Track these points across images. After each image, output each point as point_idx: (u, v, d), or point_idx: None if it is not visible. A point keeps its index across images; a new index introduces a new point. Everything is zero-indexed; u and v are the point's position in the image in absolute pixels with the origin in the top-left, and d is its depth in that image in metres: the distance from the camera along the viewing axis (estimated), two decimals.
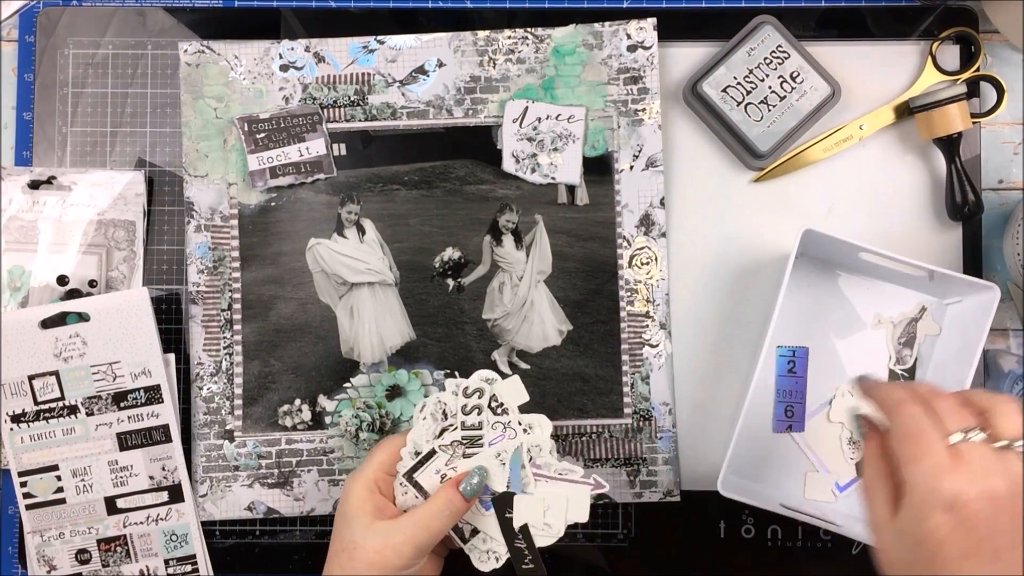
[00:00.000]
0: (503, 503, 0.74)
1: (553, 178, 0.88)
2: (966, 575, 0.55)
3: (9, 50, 0.90)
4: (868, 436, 0.66)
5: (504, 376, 0.85)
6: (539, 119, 0.88)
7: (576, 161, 0.88)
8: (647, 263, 0.87)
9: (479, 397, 0.74)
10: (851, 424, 0.84)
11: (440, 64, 0.88)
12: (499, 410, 0.74)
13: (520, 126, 0.88)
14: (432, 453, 0.74)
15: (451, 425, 0.74)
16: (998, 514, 0.55)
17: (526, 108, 0.88)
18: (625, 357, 0.87)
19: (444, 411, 0.74)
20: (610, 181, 0.88)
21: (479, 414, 0.74)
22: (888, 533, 0.59)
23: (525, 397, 0.74)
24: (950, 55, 0.89)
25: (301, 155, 0.87)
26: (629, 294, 0.88)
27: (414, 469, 0.74)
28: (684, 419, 0.88)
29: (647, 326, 0.87)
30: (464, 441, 0.74)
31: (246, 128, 0.87)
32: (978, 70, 0.88)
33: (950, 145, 0.86)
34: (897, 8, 0.90)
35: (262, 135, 0.87)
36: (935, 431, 0.58)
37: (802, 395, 0.87)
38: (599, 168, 0.88)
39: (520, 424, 0.74)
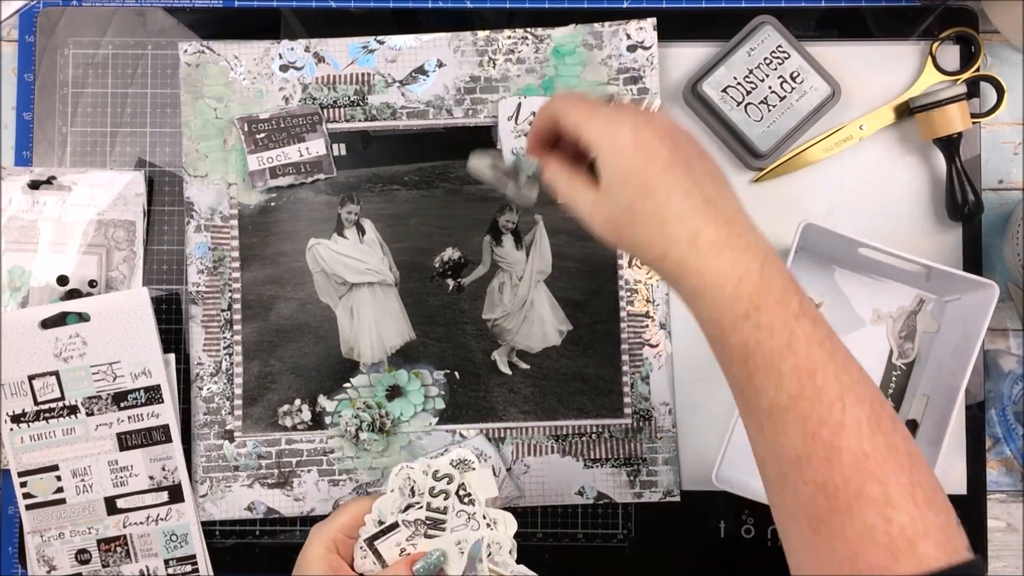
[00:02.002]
0: None
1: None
2: (676, 184, 0.61)
3: (9, 50, 0.90)
4: (543, 160, 0.70)
5: (505, 374, 0.86)
6: (534, 114, 0.87)
7: None
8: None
9: (448, 483, 0.74)
10: (522, 168, 0.77)
11: (440, 64, 0.88)
12: (466, 499, 0.74)
13: (516, 123, 0.88)
14: (395, 525, 0.74)
15: (417, 503, 0.74)
16: (676, 135, 0.63)
17: (519, 104, 0.88)
18: (625, 357, 0.87)
19: (412, 488, 0.74)
20: None
21: (446, 499, 0.74)
22: (599, 205, 0.65)
23: (494, 492, 0.74)
24: (950, 55, 0.89)
25: (301, 155, 0.87)
26: (629, 294, 0.88)
27: (375, 537, 0.74)
28: (684, 419, 0.88)
29: (647, 326, 0.87)
30: (427, 521, 0.73)
31: (246, 128, 0.87)
32: (978, 70, 0.88)
33: (950, 145, 0.87)
34: (897, 8, 0.90)
35: (262, 135, 0.87)
36: (594, 99, 0.66)
37: None
38: None
39: (485, 518, 0.74)
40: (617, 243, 0.65)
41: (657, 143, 0.62)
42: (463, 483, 0.74)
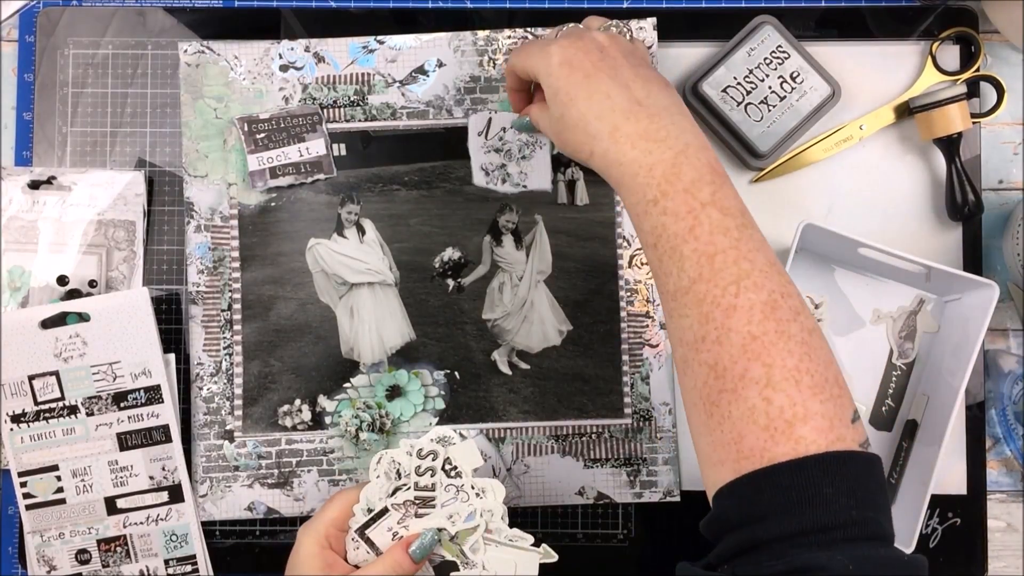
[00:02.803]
0: (445, 572, 0.74)
1: (525, 186, 0.88)
2: (597, 88, 0.69)
3: (9, 50, 0.90)
4: (526, 111, 0.82)
5: (505, 374, 0.86)
6: (504, 128, 0.88)
7: (546, 167, 0.88)
8: (647, 263, 0.87)
9: (433, 459, 0.74)
10: (518, 126, 0.87)
11: (440, 64, 0.88)
12: (452, 473, 0.74)
13: (486, 138, 0.88)
14: (385, 511, 0.74)
15: (404, 485, 0.74)
16: (607, 48, 0.72)
17: (489, 120, 0.88)
18: (625, 357, 0.87)
19: (398, 471, 0.74)
20: None
21: (432, 476, 0.74)
22: (549, 122, 0.74)
23: (480, 461, 0.74)
24: (950, 55, 0.89)
25: (301, 155, 0.87)
26: (629, 294, 0.88)
27: (366, 526, 0.74)
28: (684, 419, 0.88)
29: (647, 326, 0.87)
30: (417, 501, 0.74)
31: (246, 128, 0.87)
32: (978, 70, 0.88)
33: (950, 145, 0.87)
34: (897, 8, 0.90)
35: (262, 135, 0.87)
36: (543, 39, 0.75)
37: None
38: None
39: (473, 488, 0.74)
40: (564, 150, 0.74)
41: (582, 56, 0.70)
42: (448, 457, 0.74)
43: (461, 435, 0.75)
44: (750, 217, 0.65)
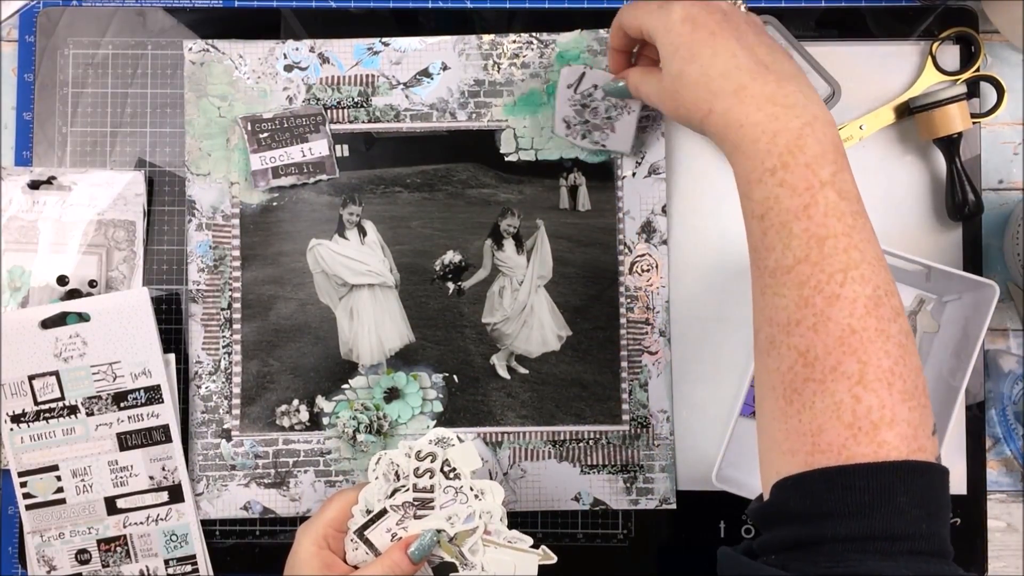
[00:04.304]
0: (444, 573, 0.74)
1: (604, 145, 0.86)
2: (723, 46, 0.65)
3: (9, 50, 0.91)
4: (624, 75, 0.79)
5: (503, 378, 0.86)
6: (594, 86, 0.85)
7: (630, 130, 0.86)
8: (648, 270, 0.87)
9: (431, 461, 0.74)
10: (611, 91, 0.83)
11: (444, 67, 0.88)
12: (451, 475, 0.74)
13: (575, 91, 0.86)
14: (383, 512, 0.74)
15: (403, 486, 0.74)
16: (729, 12, 0.68)
17: (583, 74, 0.85)
18: (624, 364, 0.87)
19: (396, 472, 0.74)
20: (612, 187, 0.88)
21: (431, 477, 0.74)
22: (661, 84, 0.71)
23: (478, 463, 0.74)
24: (950, 55, 0.89)
25: (304, 155, 0.87)
26: (629, 301, 0.87)
27: (365, 527, 0.74)
28: (683, 419, 0.88)
29: (647, 333, 0.87)
30: (415, 503, 0.74)
31: (249, 128, 0.87)
32: (978, 70, 0.88)
33: (950, 145, 0.86)
34: (897, 8, 0.90)
35: (265, 135, 0.87)
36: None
37: None
38: (602, 174, 0.88)
39: (472, 490, 0.74)
40: (675, 113, 0.70)
41: (705, 15, 0.67)
42: (446, 459, 0.74)
43: (459, 437, 0.75)
44: (864, 206, 0.62)
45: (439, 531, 0.74)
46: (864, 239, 0.60)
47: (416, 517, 0.74)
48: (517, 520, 0.87)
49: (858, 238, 0.60)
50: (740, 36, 0.66)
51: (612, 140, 0.86)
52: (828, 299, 0.58)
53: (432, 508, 0.74)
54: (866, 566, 0.53)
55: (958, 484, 0.88)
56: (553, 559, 0.74)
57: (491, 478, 0.86)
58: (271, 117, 0.87)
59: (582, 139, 0.86)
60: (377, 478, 0.74)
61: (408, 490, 0.74)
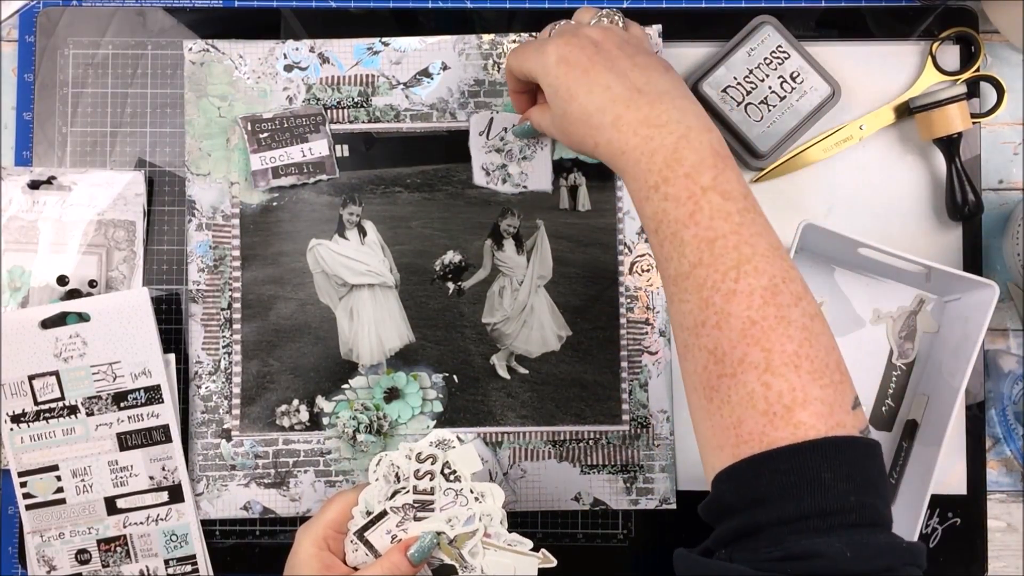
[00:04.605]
0: (444, 575, 0.75)
1: (525, 187, 0.88)
2: (596, 81, 0.69)
3: (9, 50, 0.91)
4: (527, 115, 0.82)
5: (503, 378, 0.86)
6: (505, 129, 0.88)
7: (546, 167, 0.88)
8: (648, 270, 0.87)
9: (432, 463, 0.74)
10: (520, 133, 0.86)
11: (444, 67, 0.88)
12: (451, 477, 0.74)
13: (487, 138, 0.88)
14: (383, 514, 0.74)
15: (403, 488, 0.74)
16: (602, 41, 0.71)
17: (491, 120, 0.88)
18: (624, 364, 0.87)
19: (397, 474, 0.74)
20: (612, 187, 0.88)
21: (431, 479, 0.74)
22: (552, 121, 0.74)
23: (479, 465, 0.75)
24: (950, 55, 0.89)
25: (304, 156, 0.87)
26: (629, 300, 0.87)
27: (365, 528, 0.74)
28: (683, 419, 0.88)
29: (647, 333, 0.87)
30: (416, 504, 0.74)
31: (249, 128, 0.87)
32: (978, 70, 0.88)
33: (950, 145, 0.86)
34: (897, 8, 0.90)
35: (265, 135, 0.87)
36: (538, 40, 0.76)
37: None
38: (601, 174, 0.88)
39: (472, 492, 0.74)
40: (571, 146, 0.73)
41: (577, 52, 0.70)
42: (447, 461, 0.74)
43: (459, 439, 0.75)
44: (753, 201, 0.64)
45: (439, 533, 0.74)
46: (754, 233, 0.62)
47: (416, 519, 0.74)
48: (517, 520, 0.87)
49: (747, 233, 0.62)
50: (613, 66, 0.70)
51: (532, 180, 0.88)
52: (726, 296, 0.60)
53: (432, 510, 0.74)
54: (801, 545, 0.55)
55: (958, 484, 0.88)
56: (553, 562, 0.74)
57: (491, 478, 0.86)
58: (271, 117, 0.87)
59: (503, 183, 0.88)
60: (377, 479, 0.74)
61: (408, 492, 0.74)
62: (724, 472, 0.60)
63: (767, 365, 0.58)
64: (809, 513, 0.55)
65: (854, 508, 0.56)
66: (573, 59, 0.70)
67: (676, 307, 0.64)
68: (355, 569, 0.74)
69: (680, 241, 0.63)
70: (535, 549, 0.74)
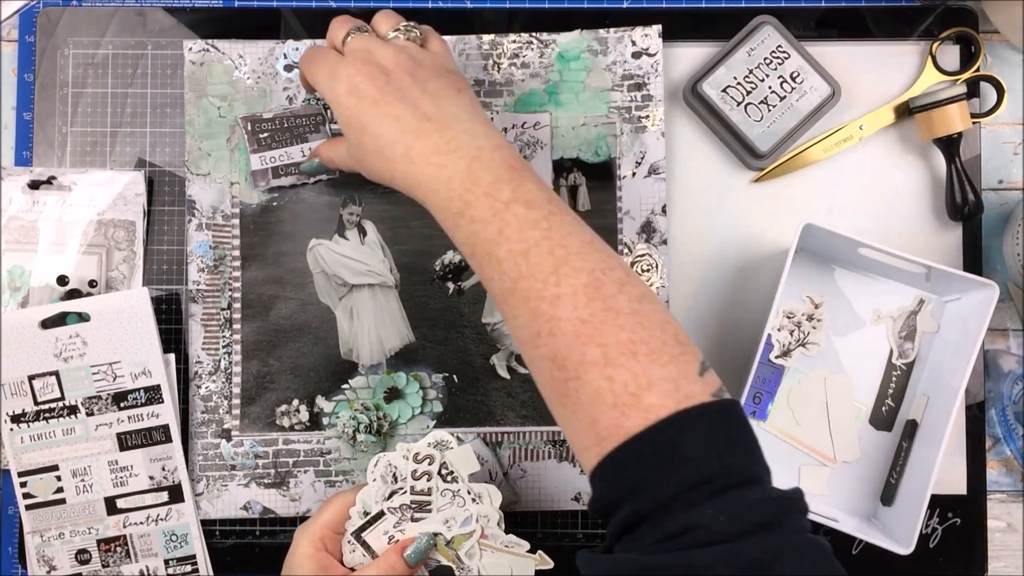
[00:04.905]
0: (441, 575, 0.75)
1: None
2: (386, 113, 0.68)
3: (9, 50, 0.90)
4: (314, 152, 0.83)
5: (503, 378, 0.86)
6: (505, 129, 0.88)
7: (546, 167, 0.88)
8: (647, 270, 0.87)
9: (429, 464, 0.74)
10: (309, 170, 0.86)
11: None
12: (449, 478, 0.74)
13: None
14: (381, 514, 0.74)
15: (400, 488, 0.74)
16: (393, 69, 0.70)
17: (491, 120, 0.87)
18: None
19: (394, 474, 0.74)
20: (612, 187, 0.88)
21: (429, 480, 0.74)
22: (347, 152, 0.74)
23: (476, 466, 0.75)
24: (950, 55, 0.89)
25: (304, 156, 0.87)
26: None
27: (362, 529, 0.74)
28: None
29: None
30: (413, 505, 0.74)
31: (249, 128, 0.87)
32: (978, 70, 0.88)
33: (950, 145, 0.86)
34: (897, 8, 0.90)
35: (265, 135, 0.87)
36: (327, 50, 0.74)
37: (775, 385, 0.87)
38: (601, 174, 0.88)
39: (469, 493, 0.74)
40: (371, 177, 0.73)
41: (367, 83, 0.69)
42: (444, 462, 0.74)
43: (459, 439, 0.75)
44: (558, 203, 0.65)
45: (436, 534, 0.74)
46: (564, 234, 0.63)
47: (413, 520, 0.74)
48: (517, 520, 0.87)
49: (558, 236, 0.63)
50: (403, 95, 0.69)
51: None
52: (552, 302, 0.61)
53: (429, 511, 0.74)
54: (678, 522, 0.55)
55: (958, 484, 0.88)
56: (550, 564, 0.75)
57: (491, 478, 0.86)
58: (271, 117, 0.87)
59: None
60: (375, 480, 0.74)
61: (405, 492, 0.74)
62: (595, 471, 0.60)
63: (606, 360, 0.59)
64: (679, 490, 0.56)
65: (719, 473, 0.56)
66: (363, 90, 0.69)
67: (511, 323, 0.65)
68: (352, 570, 0.74)
69: (497, 260, 0.63)
70: (532, 550, 0.74)
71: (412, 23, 0.75)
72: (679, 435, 0.57)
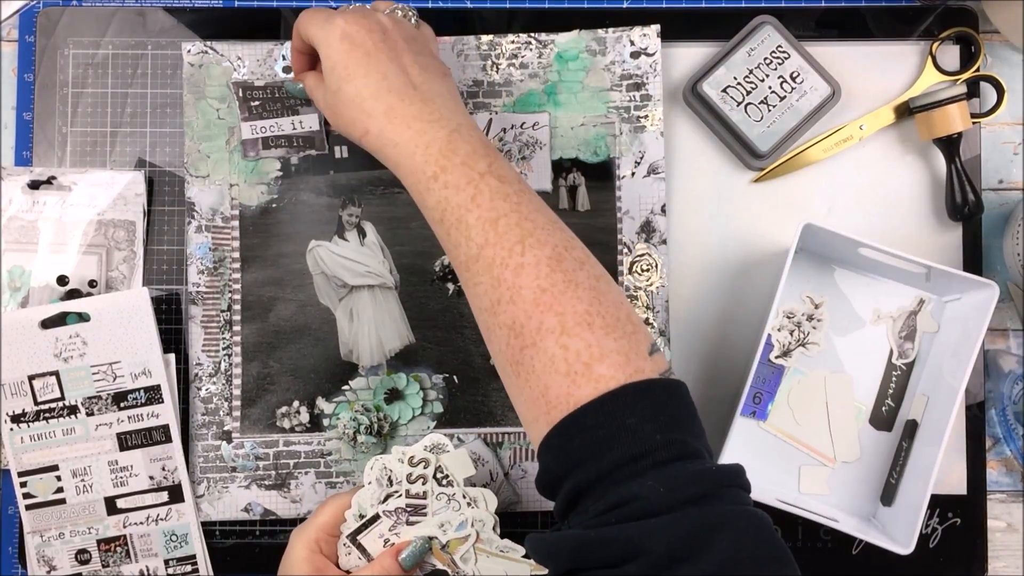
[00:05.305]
0: None
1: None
2: (375, 67, 0.70)
3: (9, 50, 0.90)
4: (303, 78, 0.81)
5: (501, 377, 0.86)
6: (504, 130, 0.88)
7: (546, 167, 0.88)
8: (647, 270, 0.87)
9: (424, 467, 0.74)
10: (291, 91, 0.87)
11: None
12: (444, 481, 0.74)
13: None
14: (376, 517, 0.74)
15: (396, 492, 0.74)
16: (391, 30, 0.72)
17: (490, 120, 0.88)
18: None
19: (390, 477, 0.74)
20: (611, 187, 0.88)
21: (424, 484, 0.74)
22: (325, 96, 0.74)
23: (471, 470, 0.75)
24: (950, 55, 0.89)
25: (294, 128, 0.87)
26: (629, 300, 0.87)
27: (358, 531, 0.74)
28: None
29: None
30: (408, 509, 0.74)
31: (241, 94, 0.87)
32: (978, 70, 0.88)
33: (950, 145, 0.86)
34: (897, 8, 0.90)
35: (256, 103, 0.87)
36: (327, 9, 0.74)
37: (775, 385, 0.87)
38: (601, 174, 0.88)
39: (464, 497, 0.74)
40: (337, 125, 0.74)
41: (364, 34, 0.71)
42: (439, 466, 0.74)
43: (459, 439, 0.75)
44: (528, 186, 0.68)
45: (431, 538, 0.74)
46: (533, 209, 0.66)
47: (409, 523, 0.74)
48: (518, 520, 0.87)
49: (526, 210, 0.65)
50: (396, 56, 0.71)
51: (531, 180, 0.88)
52: (515, 270, 0.63)
53: (425, 515, 0.74)
54: (618, 493, 0.56)
55: (958, 484, 0.88)
56: (544, 569, 0.75)
57: (492, 479, 0.86)
58: (263, 85, 0.87)
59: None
60: (371, 483, 0.74)
61: (401, 496, 0.74)
62: (543, 443, 0.61)
63: (562, 328, 0.61)
64: (621, 461, 0.57)
65: (662, 446, 0.57)
66: (358, 39, 0.71)
67: (471, 291, 0.66)
68: (347, 572, 0.74)
69: (466, 225, 0.65)
70: (527, 556, 0.74)
71: (412, 9, 0.77)
72: (625, 408, 0.58)
